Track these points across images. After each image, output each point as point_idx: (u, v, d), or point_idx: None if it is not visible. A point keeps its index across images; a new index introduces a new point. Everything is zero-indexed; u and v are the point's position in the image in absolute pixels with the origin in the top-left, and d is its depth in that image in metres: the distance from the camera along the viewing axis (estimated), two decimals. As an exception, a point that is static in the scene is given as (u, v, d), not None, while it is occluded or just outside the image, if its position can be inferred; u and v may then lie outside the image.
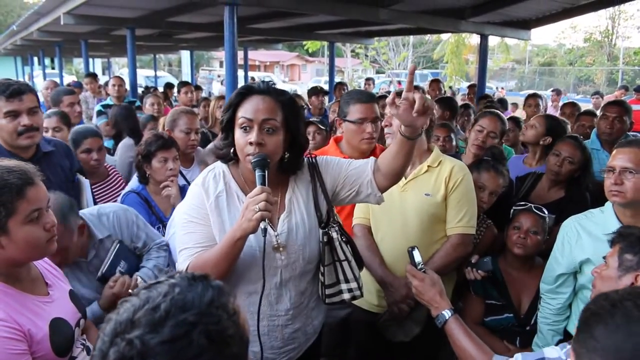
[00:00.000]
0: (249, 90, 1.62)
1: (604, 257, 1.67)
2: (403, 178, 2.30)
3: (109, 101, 5.88)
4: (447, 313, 1.62)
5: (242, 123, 1.58)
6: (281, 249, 1.67)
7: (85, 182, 2.74)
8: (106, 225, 2.04)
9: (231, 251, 1.54)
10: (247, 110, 1.59)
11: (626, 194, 1.95)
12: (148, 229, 2.31)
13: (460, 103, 5.77)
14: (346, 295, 1.79)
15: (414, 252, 1.74)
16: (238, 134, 1.60)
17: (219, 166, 1.72)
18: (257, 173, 1.54)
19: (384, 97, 6.80)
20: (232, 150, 1.66)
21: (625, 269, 1.57)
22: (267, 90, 1.63)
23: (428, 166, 2.29)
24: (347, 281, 1.78)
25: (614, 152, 2.05)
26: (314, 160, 1.78)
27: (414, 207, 2.27)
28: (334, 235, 1.73)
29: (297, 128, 1.68)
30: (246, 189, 1.67)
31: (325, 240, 1.71)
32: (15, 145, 2.32)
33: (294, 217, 1.70)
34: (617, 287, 1.41)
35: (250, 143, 1.56)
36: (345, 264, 1.76)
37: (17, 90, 2.25)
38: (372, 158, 1.80)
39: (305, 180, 1.76)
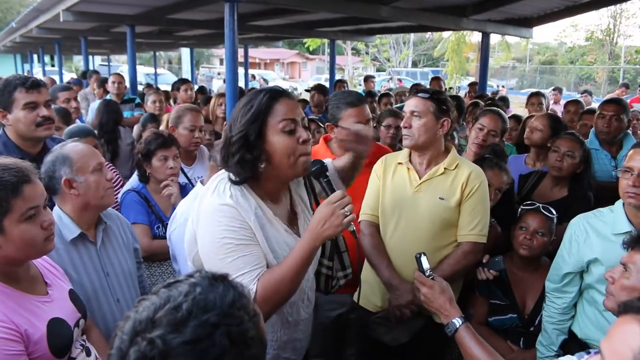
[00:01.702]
0: (278, 94, 1.55)
1: (623, 263, 1.60)
2: (417, 178, 2.25)
3: (108, 98, 5.87)
4: (457, 321, 1.56)
5: (286, 126, 1.50)
6: None
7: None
8: (108, 216, 2.01)
9: (309, 261, 1.50)
10: (285, 112, 1.51)
11: None
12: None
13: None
14: (342, 281, 1.89)
15: (422, 258, 1.70)
16: (281, 138, 1.50)
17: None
18: (324, 180, 1.58)
19: (386, 95, 6.80)
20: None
21: None
22: (286, 91, 1.60)
23: (445, 168, 2.23)
24: (343, 268, 1.86)
25: (631, 152, 2.02)
26: None
27: (427, 209, 2.21)
28: None
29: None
30: (269, 203, 1.60)
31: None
32: (31, 137, 2.38)
33: (307, 222, 1.69)
34: None
35: (305, 141, 1.52)
36: (344, 254, 1.84)
37: (36, 83, 2.38)
38: (328, 159, 1.92)
39: (301, 182, 1.78)
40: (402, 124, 2.27)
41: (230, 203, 1.49)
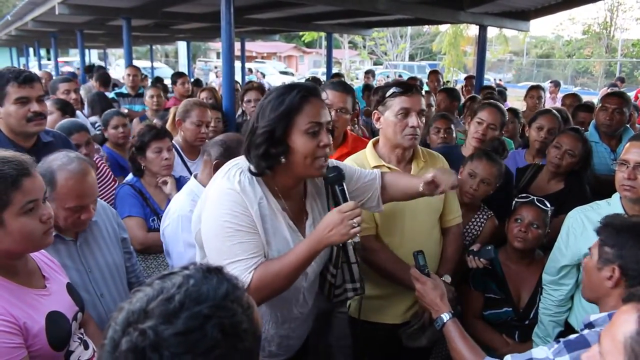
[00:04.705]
0: (310, 93, 1.55)
1: (589, 248, 1.68)
2: None
3: (123, 90, 5.98)
4: (445, 316, 1.68)
5: (310, 128, 1.52)
6: None
7: (84, 173, 2.72)
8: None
9: (308, 262, 1.54)
10: (313, 114, 1.53)
11: (639, 190, 1.93)
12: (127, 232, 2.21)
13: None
14: (350, 294, 1.87)
15: (419, 256, 1.79)
16: (304, 139, 1.52)
17: (246, 168, 1.59)
18: (338, 188, 1.59)
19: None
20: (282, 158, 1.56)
21: (603, 261, 1.58)
22: (317, 90, 1.59)
23: (423, 161, 2.22)
24: (353, 281, 1.85)
25: (627, 145, 2.03)
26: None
27: (426, 204, 2.17)
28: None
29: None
30: (279, 196, 1.61)
31: (341, 245, 1.72)
32: (21, 132, 2.37)
33: (316, 223, 1.67)
34: (599, 279, 1.54)
35: (325, 145, 1.54)
36: (354, 266, 1.83)
37: (29, 77, 2.34)
38: (377, 171, 1.91)
39: (321, 184, 1.78)
40: (413, 124, 2.07)
41: (236, 189, 1.53)
